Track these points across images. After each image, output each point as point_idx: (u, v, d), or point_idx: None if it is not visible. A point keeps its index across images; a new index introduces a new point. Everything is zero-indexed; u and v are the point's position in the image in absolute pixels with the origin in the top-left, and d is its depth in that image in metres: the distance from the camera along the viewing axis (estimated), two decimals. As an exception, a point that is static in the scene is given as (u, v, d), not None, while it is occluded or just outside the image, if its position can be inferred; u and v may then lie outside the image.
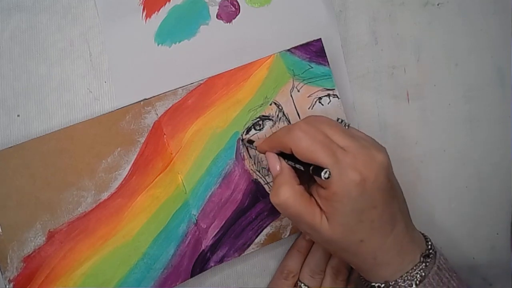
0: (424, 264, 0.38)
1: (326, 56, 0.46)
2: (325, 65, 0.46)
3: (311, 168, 0.37)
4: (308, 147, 0.36)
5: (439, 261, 0.38)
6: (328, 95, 0.46)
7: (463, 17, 0.51)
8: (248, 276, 0.47)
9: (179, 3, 0.47)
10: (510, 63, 0.51)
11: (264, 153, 0.42)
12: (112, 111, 0.43)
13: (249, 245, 0.45)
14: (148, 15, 0.46)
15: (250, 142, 0.44)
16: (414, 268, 0.37)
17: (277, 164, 0.40)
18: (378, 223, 0.36)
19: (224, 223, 0.44)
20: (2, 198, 0.41)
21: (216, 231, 0.44)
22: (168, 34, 0.46)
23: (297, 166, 0.38)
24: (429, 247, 0.39)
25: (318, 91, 0.46)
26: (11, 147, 0.41)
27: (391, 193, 0.37)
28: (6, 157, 0.41)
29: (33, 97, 0.44)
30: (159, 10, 0.46)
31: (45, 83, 0.44)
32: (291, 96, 0.46)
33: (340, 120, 0.40)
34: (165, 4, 0.46)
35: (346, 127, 0.39)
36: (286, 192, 0.38)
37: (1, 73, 0.44)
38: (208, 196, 0.44)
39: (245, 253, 0.45)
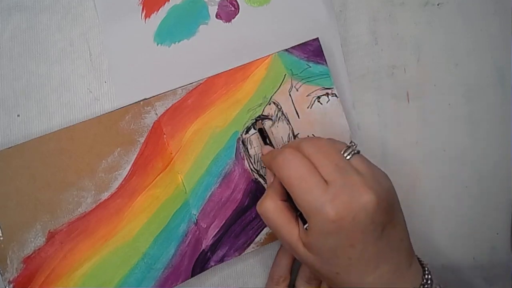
0: None
1: (323, 55, 0.46)
2: (323, 64, 0.46)
3: (297, 214, 0.38)
4: (287, 179, 0.36)
5: None
6: (327, 94, 0.46)
7: (463, 17, 0.51)
8: (248, 276, 0.47)
9: (178, 3, 0.47)
10: (510, 63, 0.51)
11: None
12: (112, 111, 0.43)
13: (249, 244, 0.45)
14: (147, 15, 0.46)
15: (262, 134, 0.45)
16: None
17: (271, 177, 0.41)
18: (356, 261, 0.35)
19: (224, 222, 0.44)
20: (2, 198, 0.41)
21: (216, 230, 0.44)
22: (168, 34, 0.46)
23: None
24: (425, 281, 0.37)
25: (316, 90, 0.46)
26: (11, 147, 0.41)
27: (375, 234, 0.35)
28: (6, 157, 0.41)
29: (33, 97, 0.44)
30: (158, 10, 0.46)
31: (45, 83, 0.44)
32: (290, 95, 0.46)
33: (352, 143, 0.39)
34: (164, 4, 0.46)
35: (350, 155, 0.37)
36: (267, 204, 0.38)
37: (1, 73, 0.44)
38: (208, 196, 0.44)
39: (245, 252, 0.45)
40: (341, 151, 0.38)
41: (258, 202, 0.39)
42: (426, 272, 0.38)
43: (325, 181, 0.35)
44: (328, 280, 0.37)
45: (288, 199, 0.39)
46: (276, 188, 0.39)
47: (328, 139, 0.39)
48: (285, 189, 0.38)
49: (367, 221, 0.34)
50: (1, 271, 0.40)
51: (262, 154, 0.44)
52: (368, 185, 0.35)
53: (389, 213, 0.36)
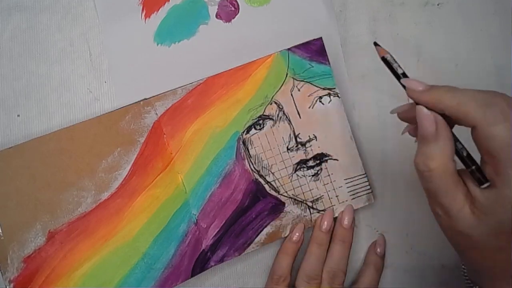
0: None
1: (326, 55, 0.46)
2: (325, 64, 0.46)
3: (470, 169, 0.33)
4: (505, 131, 0.30)
5: None
6: (329, 94, 0.46)
7: (463, 17, 0.51)
8: (248, 276, 0.47)
9: (178, 3, 0.47)
10: (510, 63, 0.51)
11: (415, 102, 0.34)
12: (112, 111, 0.43)
13: (249, 244, 0.45)
14: (147, 15, 0.46)
15: (389, 65, 0.36)
16: None
17: (434, 125, 0.33)
18: None
19: (224, 222, 0.44)
20: (2, 198, 0.41)
21: (216, 230, 0.44)
22: (168, 34, 0.46)
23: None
24: None
25: (318, 90, 0.46)
26: (11, 147, 0.41)
27: None
28: (6, 158, 0.41)
29: (33, 97, 0.44)
30: (158, 10, 0.46)
31: (45, 83, 0.44)
32: (291, 95, 0.46)
33: None
34: (164, 4, 0.46)
35: None
36: (437, 162, 0.32)
37: (1, 73, 0.44)
38: (208, 196, 0.44)
39: (245, 252, 0.45)
40: None
41: (422, 158, 0.33)
42: None
43: None
44: (477, 255, 0.34)
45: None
46: (449, 143, 0.32)
47: None
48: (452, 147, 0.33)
49: None
50: (1, 271, 0.41)
51: (410, 90, 0.34)
52: None
53: None
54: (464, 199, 0.32)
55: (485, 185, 0.32)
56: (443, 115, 0.33)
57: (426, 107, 0.33)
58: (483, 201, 0.31)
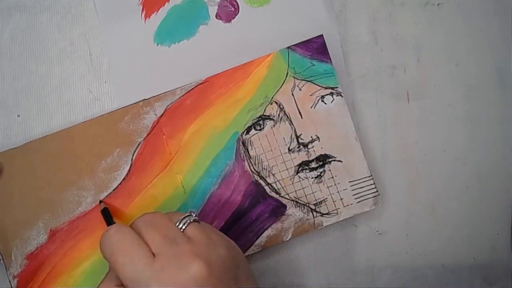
0: None
1: (328, 53, 0.45)
2: (327, 62, 0.46)
3: None
4: (109, 256, 0.33)
5: None
6: (331, 94, 0.46)
7: (463, 17, 0.50)
8: (248, 276, 0.47)
9: (178, 3, 0.47)
10: (510, 63, 0.51)
11: None
12: (111, 111, 0.44)
13: (249, 247, 0.44)
14: (147, 15, 0.46)
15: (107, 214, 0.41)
16: None
17: None
18: None
19: (224, 224, 0.44)
20: (6, 197, 0.42)
21: (216, 231, 0.44)
22: (168, 34, 0.46)
23: None
24: None
25: (320, 89, 0.46)
26: (14, 148, 0.42)
27: None
28: (9, 158, 0.42)
29: (33, 97, 0.44)
30: (158, 10, 0.46)
31: (45, 83, 0.45)
32: (292, 94, 0.46)
33: (191, 213, 0.36)
34: (164, 4, 0.46)
35: (185, 224, 0.35)
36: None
37: (1, 73, 0.44)
38: (207, 197, 0.44)
39: (245, 254, 0.45)
40: (175, 222, 0.35)
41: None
42: None
43: (154, 254, 0.32)
44: None
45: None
46: (111, 272, 0.35)
47: (166, 213, 0.36)
48: None
49: None
50: (6, 266, 0.41)
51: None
52: (197, 253, 0.32)
53: (225, 282, 0.33)
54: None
55: None
56: None
57: None
58: None
